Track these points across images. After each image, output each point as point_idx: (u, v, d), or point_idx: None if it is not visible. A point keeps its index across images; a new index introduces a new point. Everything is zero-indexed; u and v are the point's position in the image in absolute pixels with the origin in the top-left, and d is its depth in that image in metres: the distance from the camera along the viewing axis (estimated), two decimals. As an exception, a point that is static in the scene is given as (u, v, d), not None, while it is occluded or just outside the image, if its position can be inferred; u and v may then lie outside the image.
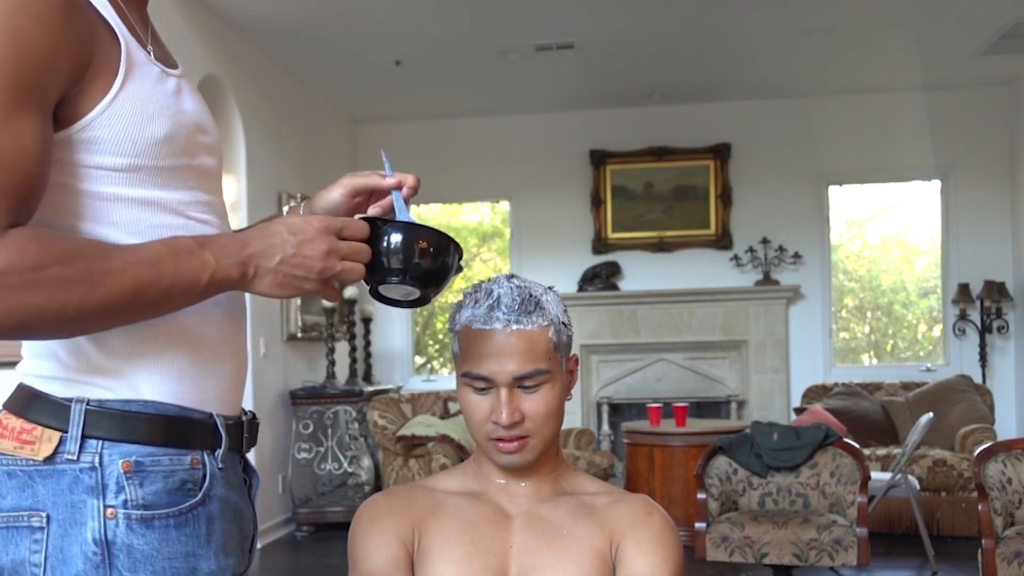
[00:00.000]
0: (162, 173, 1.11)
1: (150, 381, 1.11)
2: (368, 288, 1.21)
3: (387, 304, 1.22)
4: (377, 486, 6.40)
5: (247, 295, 1.21)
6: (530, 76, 6.88)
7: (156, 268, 1.03)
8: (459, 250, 1.20)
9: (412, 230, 1.17)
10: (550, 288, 1.38)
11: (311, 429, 6.40)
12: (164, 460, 1.09)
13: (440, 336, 8.65)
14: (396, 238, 1.16)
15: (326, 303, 6.64)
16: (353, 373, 7.16)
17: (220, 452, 1.15)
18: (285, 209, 1.36)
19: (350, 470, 6.50)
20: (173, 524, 1.08)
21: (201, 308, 1.13)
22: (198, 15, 5.31)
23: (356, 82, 6.98)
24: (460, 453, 5.80)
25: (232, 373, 1.21)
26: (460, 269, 1.23)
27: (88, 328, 1.04)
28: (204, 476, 1.12)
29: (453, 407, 6.42)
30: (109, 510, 1.05)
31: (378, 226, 1.17)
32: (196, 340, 1.15)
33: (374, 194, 1.31)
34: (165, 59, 1.19)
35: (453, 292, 8.69)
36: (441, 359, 8.63)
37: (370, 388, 6.75)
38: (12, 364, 1.20)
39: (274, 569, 5.52)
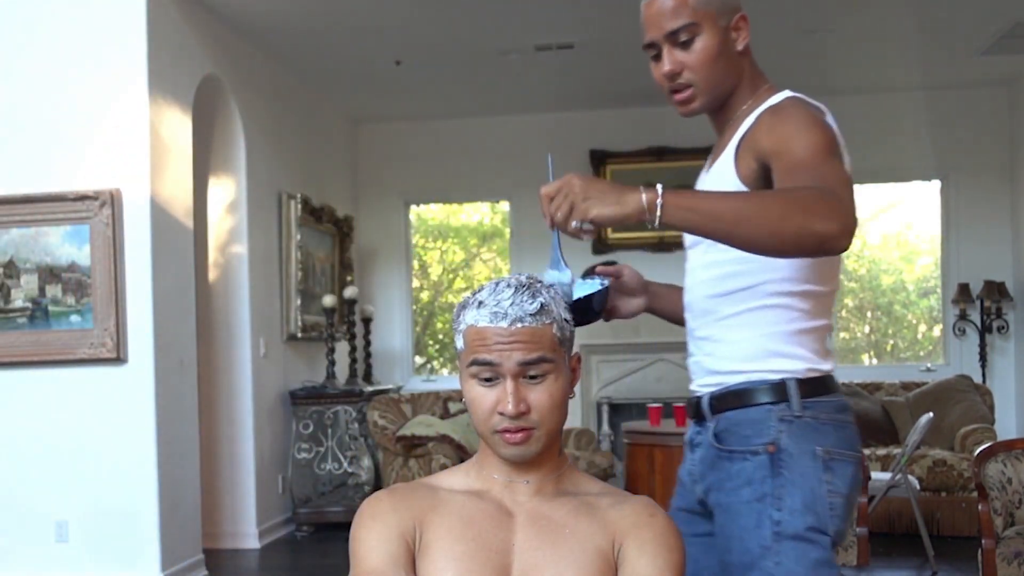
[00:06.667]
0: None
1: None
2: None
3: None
4: (377, 486, 6.40)
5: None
6: (530, 76, 6.88)
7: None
8: (600, 295, 1.66)
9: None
10: (552, 286, 1.41)
11: (311, 429, 6.41)
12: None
13: (440, 336, 8.65)
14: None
15: (326, 302, 6.65)
16: (353, 373, 7.16)
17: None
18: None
19: (350, 470, 6.50)
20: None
21: None
22: (198, 15, 5.31)
23: (356, 82, 6.98)
24: (460, 453, 5.80)
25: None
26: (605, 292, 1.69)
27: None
28: None
29: (453, 407, 6.42)
30: None
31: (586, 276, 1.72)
32: None
33: None
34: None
35: (454, 292, 8.69)
36: (441, 359, 8.63)
37: (370, 388, 6.76)
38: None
39: (274, 569, 5.53)
